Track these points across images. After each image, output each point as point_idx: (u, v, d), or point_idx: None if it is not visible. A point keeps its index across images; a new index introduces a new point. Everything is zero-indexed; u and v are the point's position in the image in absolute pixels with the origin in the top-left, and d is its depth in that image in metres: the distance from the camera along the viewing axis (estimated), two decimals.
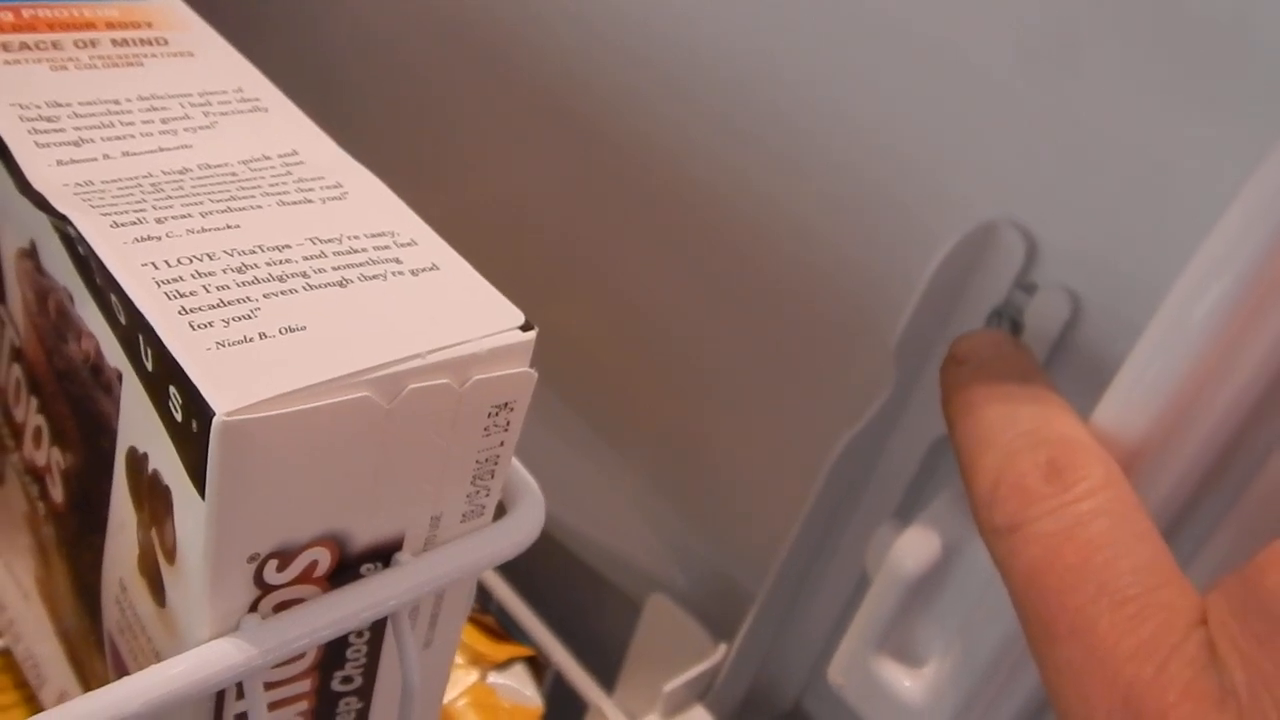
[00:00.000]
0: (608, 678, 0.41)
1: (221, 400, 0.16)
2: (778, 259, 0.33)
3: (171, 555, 0.18)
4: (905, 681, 0.27)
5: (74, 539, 0.23)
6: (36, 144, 0.21)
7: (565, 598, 0.43)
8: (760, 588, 0.34)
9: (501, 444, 0.20)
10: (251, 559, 0.18)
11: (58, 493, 0.23)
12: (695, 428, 0.38)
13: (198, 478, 0.17)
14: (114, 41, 0.25)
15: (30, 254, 0.22)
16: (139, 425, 0.19)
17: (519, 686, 0.37)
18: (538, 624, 0.42)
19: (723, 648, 0.36)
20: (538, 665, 0.39)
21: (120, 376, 0.19)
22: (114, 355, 0.19)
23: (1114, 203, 0.26)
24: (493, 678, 0.37)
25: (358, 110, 0.46)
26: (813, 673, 0.37)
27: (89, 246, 0.19)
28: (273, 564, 0.18)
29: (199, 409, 0.16)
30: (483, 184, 0.43)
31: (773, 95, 0.31)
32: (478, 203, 0.43)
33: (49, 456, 0.23)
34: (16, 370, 0.24)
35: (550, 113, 0.38)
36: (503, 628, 0.40)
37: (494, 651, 0.38)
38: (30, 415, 0.24)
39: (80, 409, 0.21)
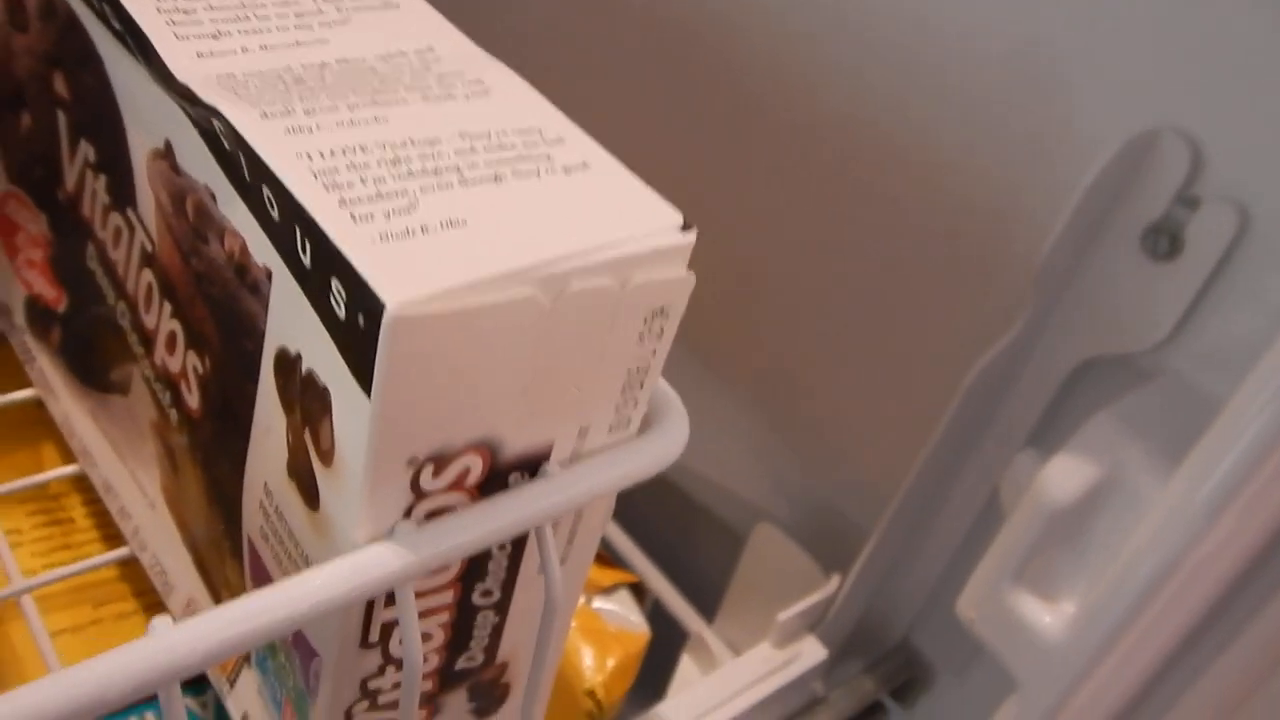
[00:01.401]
0: (708, 607, 0.41)
1: (393, 294, 0.15)
2: (905, 175, 0.31)
3: (328, 457, 0.18)
4: (1045, 617, 0.26)
5: (210, 445, 0.23)
6: (175, 36, 0.20)
7: (666, 526, 0.43)
8: (873, 520, 0.33)
9: (654, 353, 0.19)
10: (410, 462, 0.17)
11: (193, 399, 0.23)
12: (809, 358, 0.37)
13: (361, 375, 0.16)
14: None
15: (165, 154, 0.22)
16: (291, 324, 0.18)
17: (625, 612, 0.37)
18: (636, 551, 0.41)
19: (835, 579, 0.35)
20: (641, 591, 0.39)
21: (270, 275, 0.19)
22: (263, 252, 0.19)
23: None
24: (598, 603, 0.37)
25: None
26: (924, 607, 0.36)
27: (240, 138, 0.18)
28: (429, 469, 0.18)
29: (367, 303, 0.15)
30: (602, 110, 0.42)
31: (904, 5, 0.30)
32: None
33: (184, 362, 0.23)
34: (148, 275, 0.24)
35: (676, 38, 0.37)
36: (606, 552, 0.40)
37: (600, 576, 0.38)
38: (163, 321, 0.24)
39: (221, 311, 0.21)
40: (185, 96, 0.19)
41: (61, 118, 0.27)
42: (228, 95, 0.19)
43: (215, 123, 0.19)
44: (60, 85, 0.26)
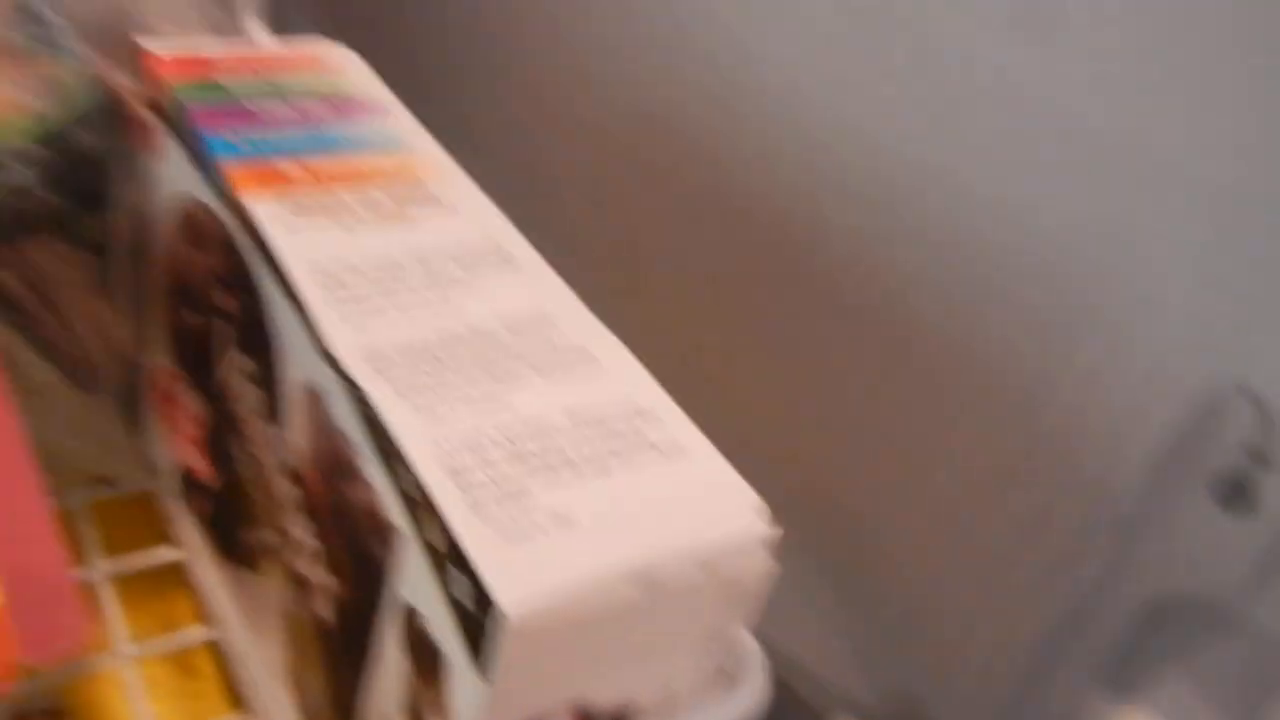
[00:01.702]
0: None
1: (508, 596, 0.18)
2: (998, 396, 0.33)
3: (437, 709, 0.20)
4: None
5: (335, 653, 0.26)
6: (330, 306, 0.23)
7: None
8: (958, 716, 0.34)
9: (739, 623, 0.22)
10: None
11: (324, 609, 0.26)
12: (903, 545, 0.38)
13: (473, 647, 0.19)
14: (391, 197, 0.27)
15: (314, 395, 0.25)
16: (413, 583, 0.21)
17: None
18: None
19: None
20: None
21: (397, 534, 0.21)
22: (394, 513, 0.21)
23: None
24: None
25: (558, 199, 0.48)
26: None
27: (379, 419, 0.21)
28: None
29: (484, 598, 0.18)
30: (683, 271, 0.44)
31: (1010, 242, 0.32)
32: (681, 290, 0.44)
33: (317, 575, 0.26)
34: (291, 490, 0.27)
35: (760, 208, 0.39)
36: None
37: None
38: (304, 535, 0.27)
39: (353, 547, 0.24)
40: (336, 370, 0.22)
41: (223, 328, 0.30)
42: (371, 372, 0.22)
43: (363, 397, 0.22)
44: (226, 301, 0.30)
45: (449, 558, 0.19)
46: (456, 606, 0.19)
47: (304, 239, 0.25)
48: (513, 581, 0.18)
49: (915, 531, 0.37)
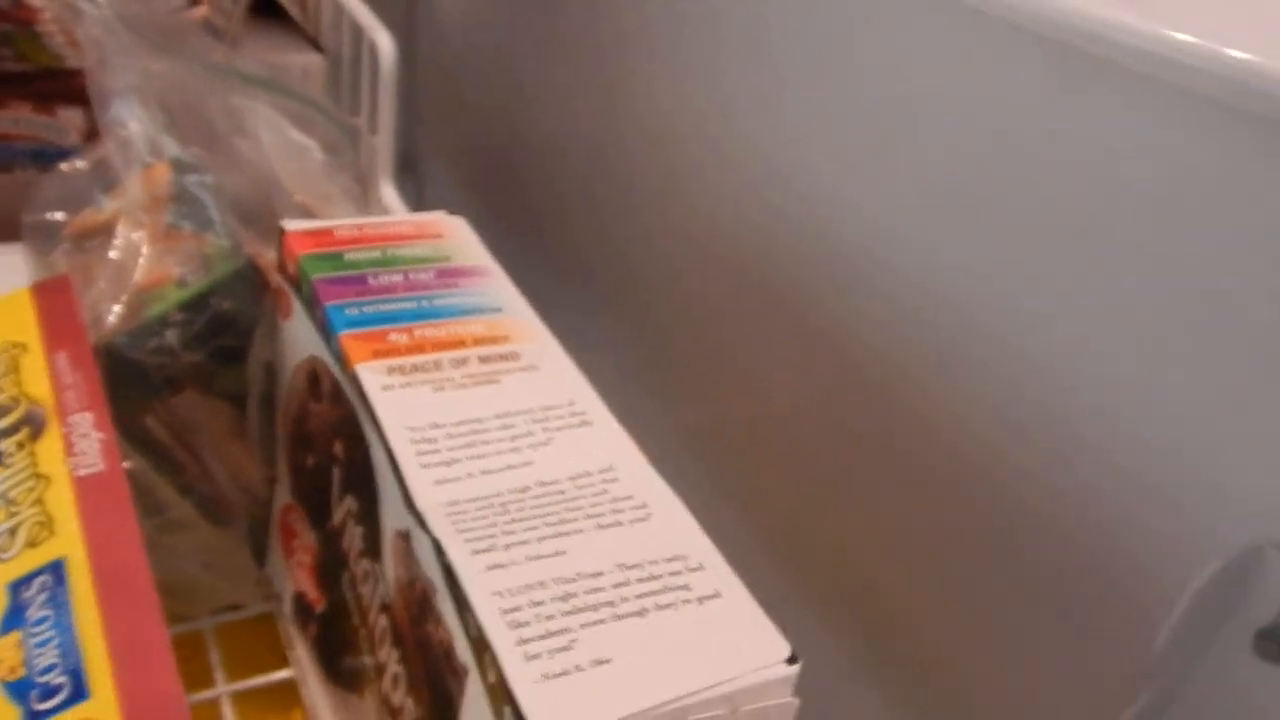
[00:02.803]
0: None
1: None
2: (1036, 545, 0.34)
3: None
4: None
5: None
6: (420, 464, 0.27)
7: None
8: None
9: None
10: None
11: None
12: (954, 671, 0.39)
13: None
14: (480, 359, 0.31)
15: (404, 538, 0.28)
16: (478, 717, 0.24)
17: None
18: None
19: None
20: None
21: (466, 672, 0.24)
22: (464, 653, 0.24)
23: None
24: None
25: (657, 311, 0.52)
26: None
27: (454, 571, 0.24)
28: None
29: None
30: (749, 398, 0.47)
31: (1041, 396, 0.33)
32: (748, 417, 0.47)
33: (403, 702, 0.29)
34: (384, 620, 0.30)
35: (827, 346, 0.42)
36: None
37: None
38: (391, 661, 0.30)
39: (431, 677, 0.27)
40: (419, 523, 0.25)
41: (335, 472, 0.34)
42: (448, 527, 0.25)
43: (437, 544, 0.25)
44: (338, 448, 0.34)
45: (503, 698, 0.22)
46: None
47: (402, 401, 0.29)
48: (551, 717, 0.21)
49: (968, 658, 0.38)
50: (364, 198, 0.48)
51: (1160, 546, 0.30)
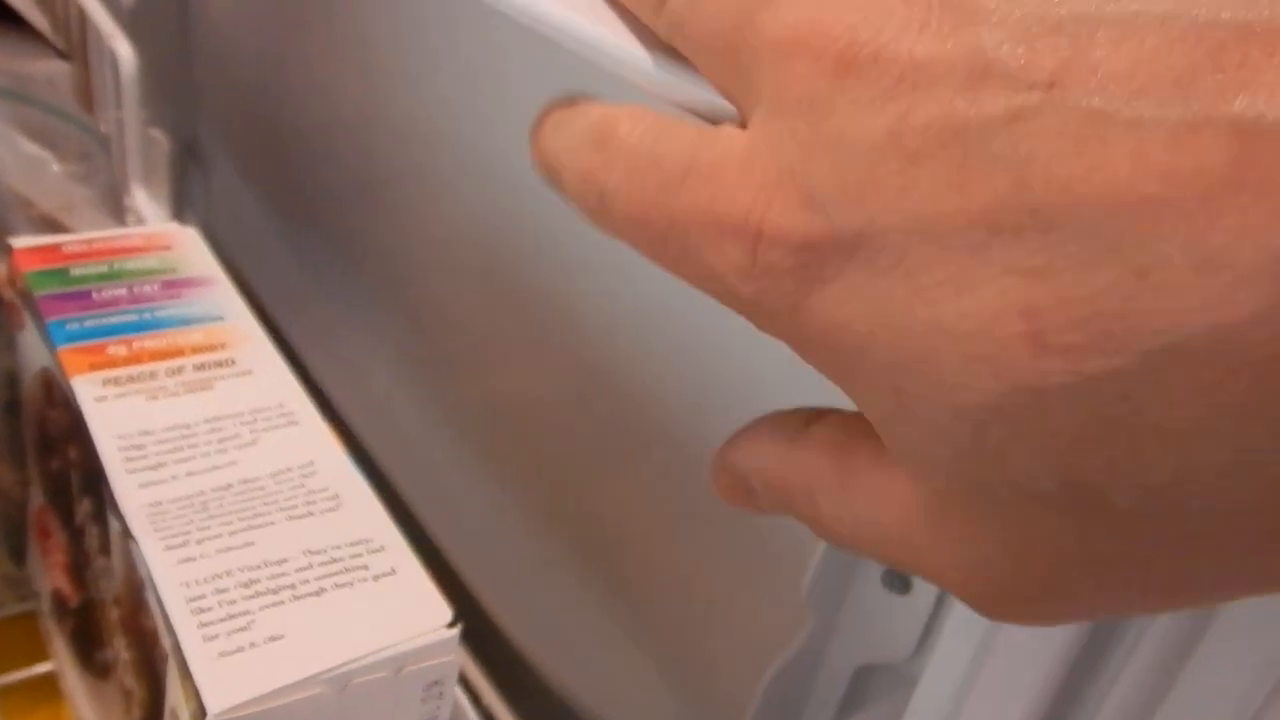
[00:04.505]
0: None
1: (214, 703, 0.23)
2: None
3: None
4: None
5: None
6: (126, 470, 0.29)
7: None
8: None
9: (437, 709, 0.27)
10: None
11: (136, 712, 0.31)
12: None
13: None
14: (195, 366, 0.33)
15: (126, 539, 0.31)
16: (176, 694, 0.27)
17: None
18: None
19: None
20: None
21: (167, 656, 0.27)
22: (165, 639, 0.27)
23: None
24: None
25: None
26: None
27: (148, 566, 0.27)
28: None
29: (201, 706, 0.24)
30: (501, 381, 0.50)
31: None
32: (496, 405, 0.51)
33: (133, 686, 0.31)
34: (115, 612, 0.33)
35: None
36: None
37: None
38: (122, 651, 0.32)
39: (149, 661, 0.29)
40: (121, 527, 0.28)
41: (74, 475, 0.36)
42: (147, 527, 0.28)
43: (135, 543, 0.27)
44: (73, 453, 0.36)
45: (187, 675, 0.25)
46: (191, 706, 0.25)
47: (115, 411, 0.31)
48: (221, 690, 0.24)
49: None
50: (118, 204, 0.49)
51: None
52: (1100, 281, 0.13)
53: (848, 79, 0.16)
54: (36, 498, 0.41)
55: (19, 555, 0.43)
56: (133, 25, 0.80)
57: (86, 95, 0.53)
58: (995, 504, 0.16)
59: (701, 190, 0.18)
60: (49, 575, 0.40)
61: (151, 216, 0.48)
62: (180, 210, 0.73)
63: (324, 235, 0.66)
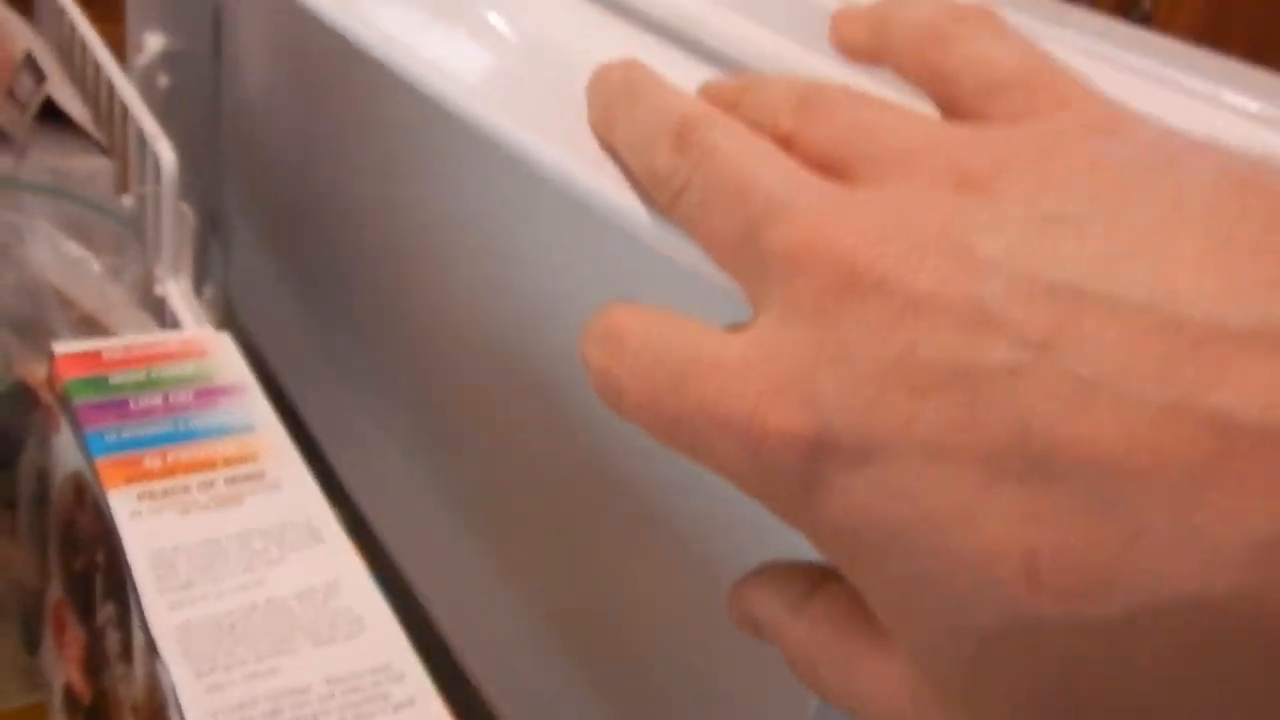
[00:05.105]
0: None
1: None
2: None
3: None
4: None
5: None
6: (158, 590, 0.31)
7: None
8: None
9: None
10: None
11: None
12: None
13: None
14: (226, 480, 0.35)
15: (149, 650, 0.32)
16: None
17: None
18: None
19: None
20: None
21: None
22: None
23: None
24: None
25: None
26: None
27: (178, 693, 0.28)
28: None
29: None
30: (500, 457, 0.52)
31: None
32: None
33: None
34: (132, 718, 0.34)
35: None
36: None
37: None
38: None
39: None
40: (151, 647, 0.29)
41: (99, 578, 0.37)
42: (177, 650, 0.29)
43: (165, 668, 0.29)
44: (100, 557, 0.37)
45: None
46: None
47: (149, 527, 0.32)
48: None
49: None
50: (149, 296, 0.51)
51: None
52: (1095, 536, 0.15)
53: (853, 300, 0.18)
54: (55, 590, 0.42)
55: (33, 645, 0.44)
56: (166, 106, 0.83)
57: (124, 187, 0.55)
58: (987, 712, 0.17)
59: (706, 388, 0.20)
60: (63, 669, 0.41)
61: (183, 311, 0.50)
62: (200, 279, 0.75)
63: (338, 309, 0.68)
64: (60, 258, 0.43)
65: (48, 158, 0.51)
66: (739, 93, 0.24)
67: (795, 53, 0.32)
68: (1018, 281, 0.16)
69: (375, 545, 0.61)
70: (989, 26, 0.21)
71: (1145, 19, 0.89)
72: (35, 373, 0.40)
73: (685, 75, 0.29)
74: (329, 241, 0.68)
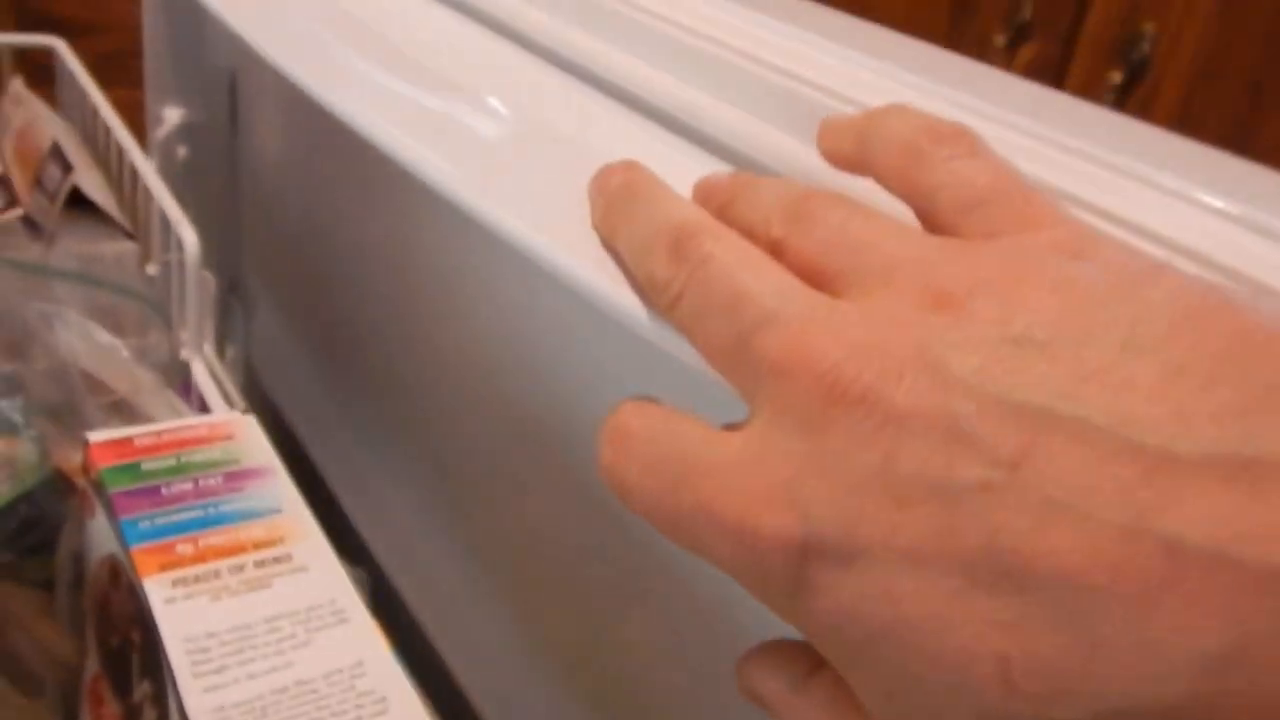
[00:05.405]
0: None
1: None
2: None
3: None
4: None
5: None
6: (193, 674, 0.32)
7: None
8: None
9: None
10: None
11: None
12: None
13: None
14: (255, 564, 0.36)
15: None
16: None
17: None
18: None
19: None
20: None
21: None
22: None
23: None
24: None
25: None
26: None
27: None
28: None
29: None
30: (511, 515, 0.53)
31: None
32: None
33: None
34: None
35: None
36: None
37: None
38: None
39: None
40: None
41: (134, 656, 0.39)
42: None
43: None
44: (135, 635, 0.39)
45: None
46: None
47: (183, 613, 0.34)
48: None
49: None
50: (175, 361, 0.52)
51: None
52: (1061, 643, 0.16)
53: (837, 411, 0.19)
54: (92, 667, 0.44)
55: None
56: (185, 175, 0.85)
57: (148, 257, 0.57)
58: None
59: (702, 490, 0.21)
60: None
61: (207, 382, 0.51)
62: (222, 342, 0.77)
63: (355, 370, 0.70)
64: (91, 344, 0.45)
65: (75, 244, 0.53)
66: (732, 192, 0.26)
67: (792, 147, 0.34)
68: (988, 402, 0.18)
69: (393, 600, 0.62)
70: (965, 145, 0.23)
71: (1144, 61, 0.91)
72: (69, 458, 0.42)
73: (681, 162, 0.31)
74: (345, 305, 0.70)
